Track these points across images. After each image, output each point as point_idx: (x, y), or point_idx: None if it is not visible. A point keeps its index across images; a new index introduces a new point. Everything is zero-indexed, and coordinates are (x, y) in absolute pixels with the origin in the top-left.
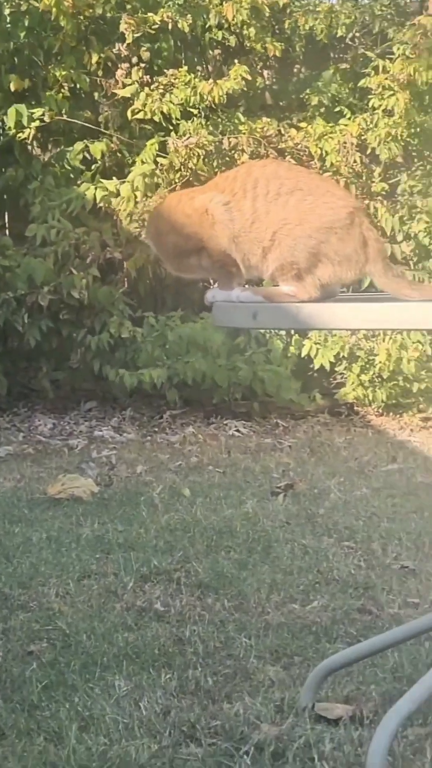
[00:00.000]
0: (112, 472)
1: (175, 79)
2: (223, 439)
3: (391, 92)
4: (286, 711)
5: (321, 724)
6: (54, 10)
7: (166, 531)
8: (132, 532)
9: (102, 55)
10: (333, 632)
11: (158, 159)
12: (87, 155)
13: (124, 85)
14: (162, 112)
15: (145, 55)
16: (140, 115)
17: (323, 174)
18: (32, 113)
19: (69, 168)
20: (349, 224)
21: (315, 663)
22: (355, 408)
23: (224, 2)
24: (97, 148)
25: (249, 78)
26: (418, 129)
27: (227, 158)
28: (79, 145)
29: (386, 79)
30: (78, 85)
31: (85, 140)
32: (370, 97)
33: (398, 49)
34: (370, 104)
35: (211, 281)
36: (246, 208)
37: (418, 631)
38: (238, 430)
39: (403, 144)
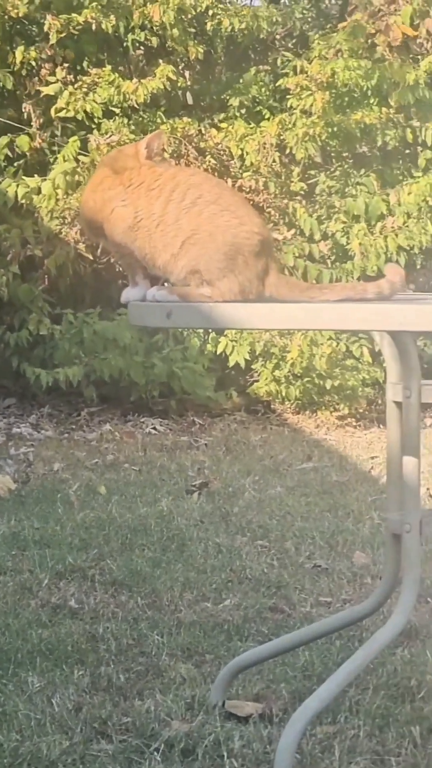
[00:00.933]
0: (30, 469)
1: (98, 78)
2: (140, 437)
3: (309, 92)
4: (196, 708)
5: (231, 721)
6: None
7: (81, 528)
8: (48, 530)
9: (26, 54)
10: (245, 630)
11: (80, 157)
12: (9, 152)
13: (48, 83)
14: (85, 111)
15: (69, 55)
16: (63, 113)
17: (243, 174)
18: None
19: None
20: (257, 251)
21: (226, 661)
22: (272, 406)
23: (149, 3)
24: (24, 140)
25: (174, 78)
26: (336, 129)
27: None
28: (3, 139)
29: (304, 79)
30: (2, 84)
31: (9, 134)
32: (288, 97)
33: (317, 49)
34: (288, 104)
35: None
36: (156, 209)
37: (329, 629)
38: (154, 428)
39: (321, 144)
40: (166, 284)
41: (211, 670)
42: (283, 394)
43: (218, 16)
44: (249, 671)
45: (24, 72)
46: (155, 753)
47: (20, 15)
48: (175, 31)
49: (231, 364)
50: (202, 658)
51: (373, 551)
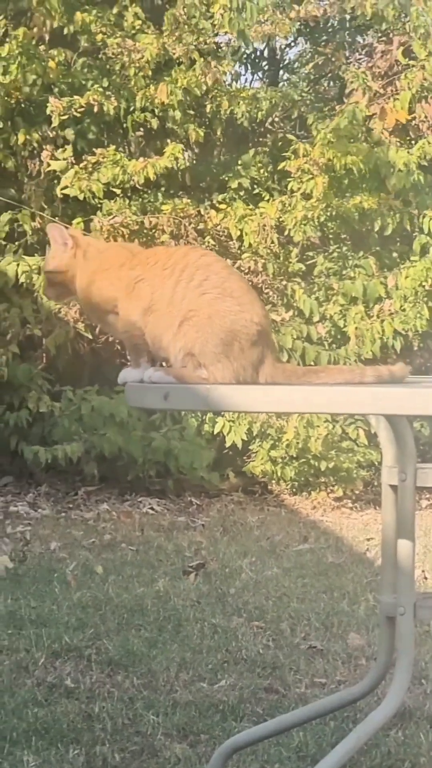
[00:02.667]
0: (27, 548)
1: (103, 158)
2: (137, 517)
3: (310, 176)
4: None
5: None
6: None
7: (78, 608)
8: (44, 609)
9: (28, 136)
10: (240, 711)
11: None
12: (10, 228)
13: (56, 158)
14: (89, 190)
15: (70, 136)
16: (68, 191)
17: (242, 255)
18: None
19: None
20: (254, 341)
21: (221, 741)
22: (269, 487)
23: (151, 85)
24: (26, 217)
25: (182, 158)
26: (335, 212)
27: (148, 237)
28: (5, 217)
29: (305, 162)
30: (4, 165)
31: (10, 211)
32: (289, 180)
33: (318, 133)
34: (289, 187)
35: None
36: (167, 288)
37: (323, 711)
38: (152, 508)
39: (319, 226)
40: (163, 365)
41: (206, 750)
42: (279, 474)
43: (218, 99)
44: (244, 752)
45: (26, 153)
46: None
47: (22, 97)
48: (177, 113)
49: (228, 444)
50: (198, 738)
51: (368, 633)
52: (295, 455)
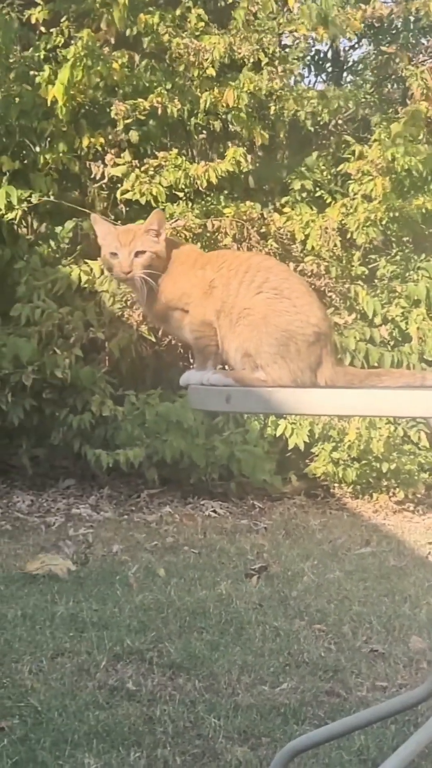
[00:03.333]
0: (89, 550)
1: (165, 161)
2: (200, 520)
3: (370, 177)
4: None
5: None
6: (60, 102)
7: (140, 610)
8: (106, 611)
9: (92, 139)
10: (301, 714)
11: None
12: (74, 232)
13: (116, 164)
14: (150, 194)
15: (134, 139)
16: (129, 196)
17: (305, 258)
18: (21, 195)
19: (54, 248)
20: (311, 342)
21: (282, 744)
22: (331, 490)
23: (216, 88)
24: (88, 223)
25: (243, 162)
26: (397, 214)
27: (210, 241)
28: (69, 224)
29: (365, 164)
30: (68, 167)
31: (74, 218)
32: (349, 182)
33: (377, 134)
34: (350, 189)
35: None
36: (232, 289)
37: (384, 714)
38: (214, 511)
39: (382, 229)
40: (226, 368)
41: (267, 753)
42: (341, 476)
43: (283, 100)
44: (305, 755)
45: (90, 156)
46: None
47: (87, 100)
48: (243, 115)
49: (291, 446)
50: (259, 741)
51: (429, 636)
52: (356, 457)
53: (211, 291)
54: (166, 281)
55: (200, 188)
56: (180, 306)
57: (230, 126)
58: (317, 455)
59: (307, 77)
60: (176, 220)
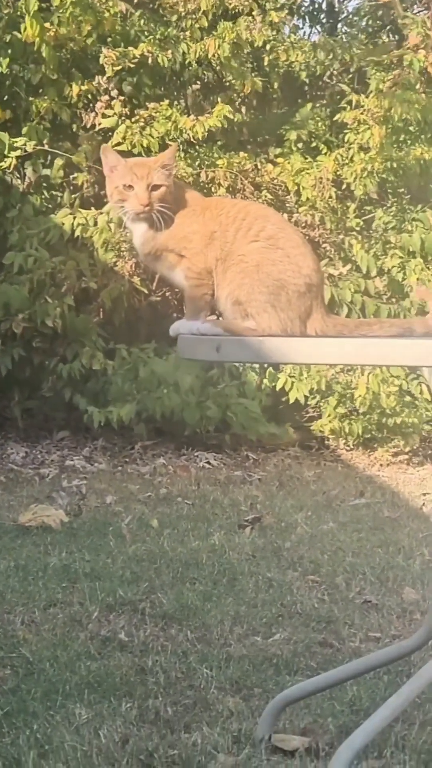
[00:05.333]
0: (82, 501)
1: (156, 112)
2: (194, 471)
3: (367, 126)
4: (243, 742)
5: (277, 755)
6: (37, 40)
7: (132, 561)
8: (99, 562)
9: (83, 87)
10: (293, 665)
11: None
12: (65, 185)
13: (105, 117)
14: (141, 145)
15: (127, 89)
16: (120, 147)
17: (299, 208)
18: (14, 142)
19: (48, 197)
20: (302, 292)
21: (274, 695)
22: (326, 442)
23: (205, 38)
24: (80, 156)
25: (231, 117)
26: (394, 164)
27: (204, 191)
28: (59, 161)
29: (361, 113)
30: (59, 117)
31: (64, 158)
32: (345, 131)
33: (373, 83)
34: (346, 139)
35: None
36: (229, 236)
37: (377, 664)
38: (208, 462)
39: (378, 180)
40: (217, 317)
41: (259, 703)
42: (347, 431)
43: (276, 50)
44: (296, 705)
45: (80, 105)
46: None
47: (78, 48)
48: (233, 65)
49: (291, 401)
50: (251, 691)
51: (423, 587)
52: (363, 411)
53: (212, 239)
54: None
55: (192, 140)
56: (177, 249)
57: (224, 77)
58: (318, 410)
59: (302, 29)
60: None
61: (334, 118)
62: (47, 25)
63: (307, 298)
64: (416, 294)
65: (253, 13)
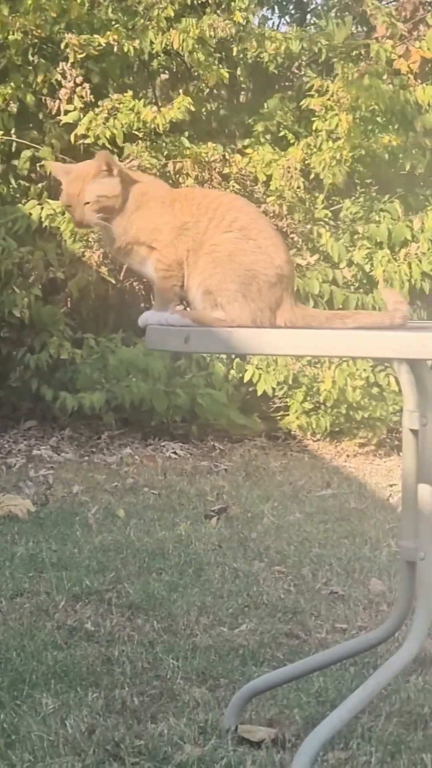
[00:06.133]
0: (49, 491)
1: (119, 103)
2: (160, 461)
3: (334, 113)
4: (209, 732)
5: (243, 746)
6: None
7: (99, 551)
8: (66, 552)
9: (47, 74)
10: (260, 656)
11: None
12: (33, 175)
13: (66, 112)
14: (105, 136)
15: (94, 78)
16: (84, 140)
17: (267, 198)
18: None
19: (15, 186)
20: (272, 283)
21: (241, 686)
22: (292, 433)
23: (171, 29)
24: (46, 151)
25: (193, 109)
26: (363, 153)
27: (171, 182)
28: (26, 153)
29: (328, 99)
30: (24, 104)
31: (31, 149)
32: (313, 119)
33: (339, 67)
34: (313, 126)
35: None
36: (201, 227)
37: (343, 656)
38: (175, 452)
39: (347, 170)
40: (186, 308)
41: (225, 694)
42: (314, 426)
43: (244, 42)
44: (263, 696)
45: (45, 91)
46: None
47: (43, 35)
48: (200, 56)
49: (258, 393)
50: (217, 682)
51: (389, 578)
52: (330, 405)
53: (184, 230)
54: (136, 215)
55: (157, 130)
56: (148, 242)
57: (191, 67)
58: (288, 403)
59: (271, 19)
60: (131, 160)
61: (301, 104)
62: (10, 14)
63: (278, 288)
64: (382, 294)
65: (218, 11)
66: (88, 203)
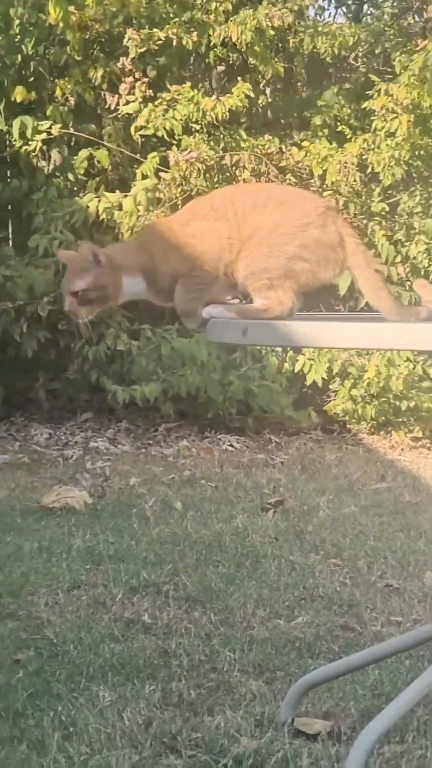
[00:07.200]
0: (106, 483)
1: (178, 95)
2: (217, 454)
3: (395, 115)
4: (266, 725)
5: (299, 738)
6: (61, 24)
7: (156, 544)
8: (123, 544)
9: (107, 69)
10: (316, 648)
11: (160, 173)
12: (90, 169)
13: (128, 102)
14: (164, 128)
15: (152, 73)
16: (143, 131)
17: (323, 193)
18: (38, 125)
19: (73, 180)
20: (322, 224)
21: (297, 678)
22: (347, 426)
23: (229, 21)
24: (102, 154)
25: (252, 95)
26: (422, 152)
27: (228, 174)
28: (84, 153)
29: (389, 101)
30: (83, 98)
31: (89, 148)
32: (372, 118)
33: (402, 74)
34: (373, 126)
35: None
36: (225, 227)
37: (398, 648)
38: (231, 445)
39: (405, 165)
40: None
41: (282, 687)
42: (359, 413)
43: (300, 34)
44: (319, 689)
45: (105, 86)
46: None
47: (102, 30)
48: (257, 48)
49: (308, 382)
50: (273, 675)
51: None
52: (375, 394)
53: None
54: (165, 258)
55: (216, 122)
56: (185, 271)
57: (249, 60)
58: (336, 392)
59: (327, 10)
60: (189, 152)
61: (362, 106)
62: (72, 8)
63: (329, 224)
64: (415, 286)
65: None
66: (77, 292)
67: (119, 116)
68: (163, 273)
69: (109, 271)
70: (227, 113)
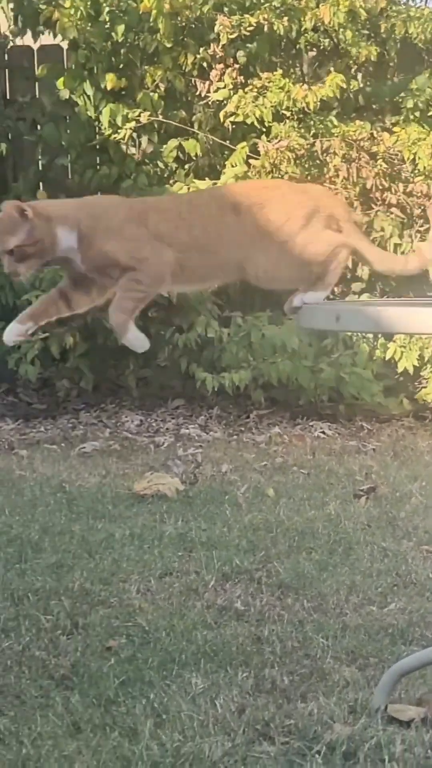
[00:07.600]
0: (198, 470)
1: (269, 82)
2: (309, 440)
3: None
4: (359, 712)
5: (393, 725)
6: (154, 11)
7: (249, 530)
8: (215, 531)
9: (198, 55)
10: (409, 635)
11: (250, 161)
12: (180, 154)
13: (218, 89)
14: (254, 115)
15: (242, 59)
16: (233, 118)
17: (415, 178)
18: (128, 113)
19: (162, 167)
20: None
21: (390, 665)
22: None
23: (321, 5)
24: (191, 145)
25: (344, 86)
26: None
27: (318, 161)
28: (173, 142)
29: None
30: (173, 85)
31: (178, 138)
32: None
33: None
34: None
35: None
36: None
37: None
38: (323, 432)
39: None
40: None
41: (375, 673)
42: None
43: (392, 19)
44: (412, 675)
45: (195, 74)
46: (317, 755)
47: (193, 16)
48: (348, 33)
49: (400, 369)
50: (366, 661)
51: None
52: None
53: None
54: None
55: (307, 109)
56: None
57: (340, 44)
58: (427, 380)
59: None
60: (279, 141)
61: None
62: None
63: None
64: (428, 210)
65: None
66: (11, 252)
67: (209, 103)
68: (99, 249)
69: (41, 222)
70: (318, 103)
